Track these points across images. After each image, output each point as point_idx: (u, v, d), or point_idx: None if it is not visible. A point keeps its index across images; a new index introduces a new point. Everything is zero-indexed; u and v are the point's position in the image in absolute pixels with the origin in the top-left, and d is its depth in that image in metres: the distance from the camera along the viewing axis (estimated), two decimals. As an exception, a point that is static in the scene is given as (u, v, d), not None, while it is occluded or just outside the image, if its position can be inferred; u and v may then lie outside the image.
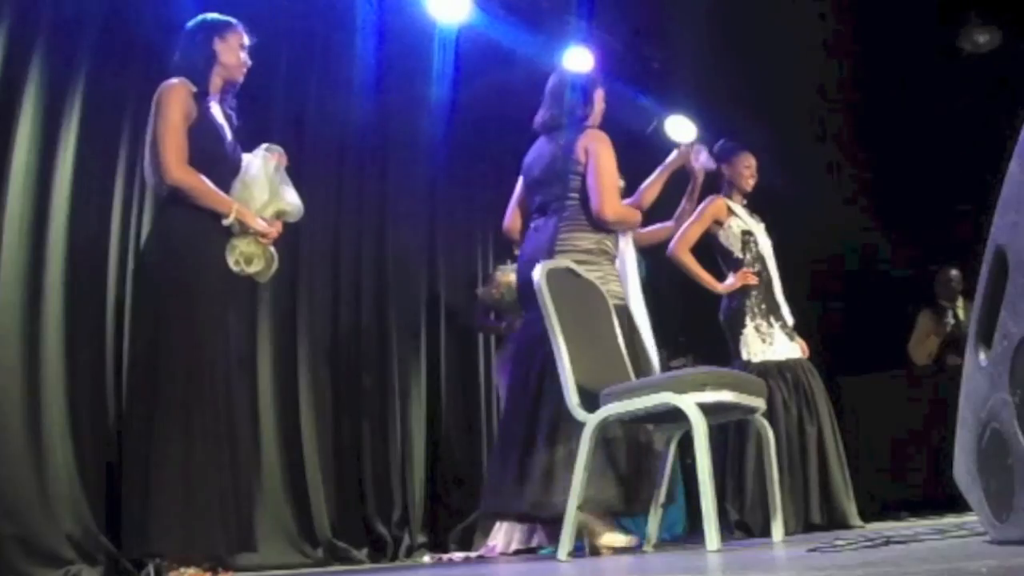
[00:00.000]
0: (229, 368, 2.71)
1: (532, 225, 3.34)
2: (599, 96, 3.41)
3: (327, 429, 4.26)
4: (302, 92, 4.40)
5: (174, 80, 2.76)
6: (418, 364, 4.73)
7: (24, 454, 2.93)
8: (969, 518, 2.67)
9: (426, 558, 4.20)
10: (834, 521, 3.70)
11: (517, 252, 4.58)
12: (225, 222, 2.70)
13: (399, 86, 4.73)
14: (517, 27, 4.97)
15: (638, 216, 3.41)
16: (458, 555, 4.26)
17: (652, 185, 3.59)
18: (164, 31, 3.62)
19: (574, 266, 3.02)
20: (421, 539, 4.40)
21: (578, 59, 5.14)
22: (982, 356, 1.40)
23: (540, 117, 3.42)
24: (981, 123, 4.73)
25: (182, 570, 2.52)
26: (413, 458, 4.54)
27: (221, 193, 2.73)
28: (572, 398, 2.64)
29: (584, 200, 3.21)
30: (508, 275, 4.43)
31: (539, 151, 3.38)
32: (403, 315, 4.70)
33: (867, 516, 3.95)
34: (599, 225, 3.19)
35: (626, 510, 3.12)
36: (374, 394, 4.49)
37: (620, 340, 3.02)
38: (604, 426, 2.68)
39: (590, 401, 2.65)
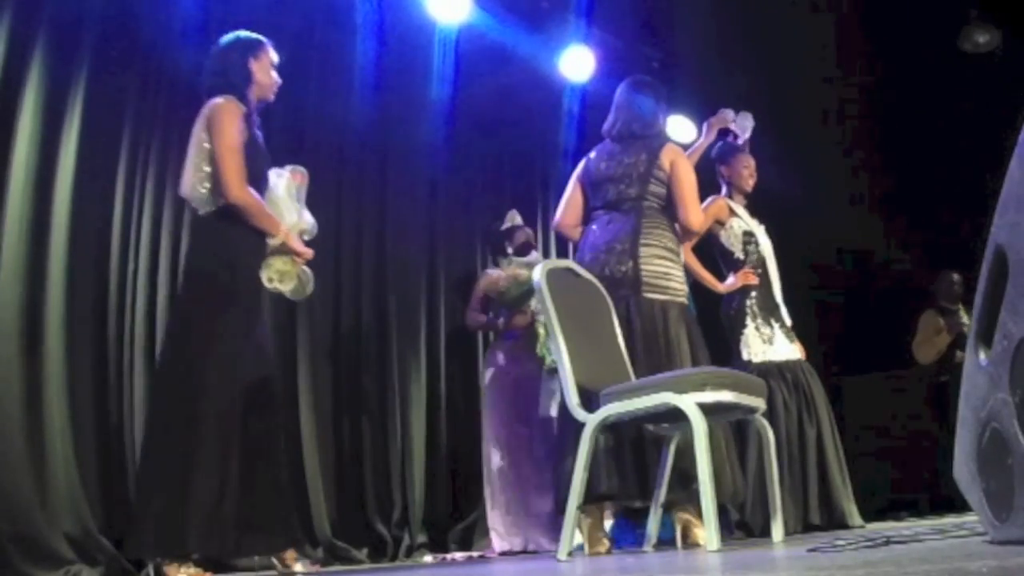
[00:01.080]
0: (266, 376, 2.83)
1: (602, 219, 3.42)
2: (664, 108, 3.62)
3: (327, 429, 4.26)
4: (301, 93, 4.40)
5: (220, 99, 2.82)
6: (418, 364, 4.73)
7: (24, 454, 2.93)
8: (969, 518, 2.67)
9: (427, 558, 4.20)
10: (834, 522, 3.70)
11: (529, 250, 4.63)
12: (272, 241, 2.83)
13: (399, 86, 4.73)
14: (517, 27, 4.98)
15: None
16: (459, 555, 4.26)
17: (690, 157, 3.80)
18: (164, 31, 3.63)
19: (574, 266, 3.03)
20: (421, 539, 4.40)
21: (578, 59, 5.15)
22: (982, 356, 1.40)
23: (614, 126, 3.54)
24: (981, 123, 4.73)
25: (182, 570, 2.54)
26: (413, 458, 4.53)
27: (272, 213, 2.85)
28: (572, 398, 2.64)
29: (664, 205, 3.40)
30: (514, 269, 4.44)
31: (609, 153, 3.49)
32: (403, 315, 4.70)
33: (867, 516, 3.95)
34: (685, 229, 3.43)
35: (630, 500, 3.14)
36: (374, 394, 4.49)
37: (620, 340, 3.02)
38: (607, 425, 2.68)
39: (590, 401, 2.65)
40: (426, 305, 4.87)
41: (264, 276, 2.82)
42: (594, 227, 3.42)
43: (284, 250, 2.86)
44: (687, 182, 3.38)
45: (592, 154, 3.56)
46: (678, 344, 3.21)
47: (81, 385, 3.20)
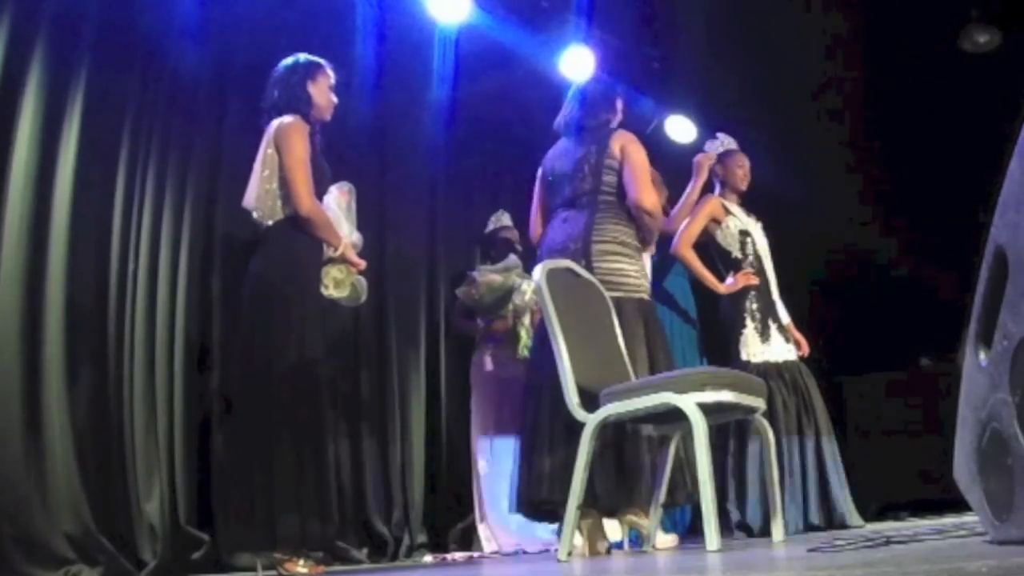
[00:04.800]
0: (323, 375, 3.02)
1: (560, 216, 3.39)
2: (619, 106, 3.56)
3: (326, 429, 4.25)
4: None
5: (288, 118, 3.02)
6: (418, 365, 4.73)
7: (24, 454, 2.93)
8: (969, 518, 2.67)
9: (427, 558, 4.20)
10: (833, 522, 3.70)
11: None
12: (333, 253, 3.01)
13: (399, 86, 4.73)
14: (517, 27, 4.97)
15: (662, 215, 3.59)
16: (459, 555, 4.26)
17: (688, 200, 4.00)
18: (165, 31, 3.63)
19: (574, 266, 3.03)
20: (421, 539, 4.40)
21: (578, 59, 5.15)
22: (982, 356, 1.40)
23: (564, 119, 3.53)
24: (981, 123, 4.73)
25: (301, 563, 2.75)
26: (413, 458, 4.53)
27: (334, 227, 3.03)
28: (572, 398, 2.64)
29: (619, 196, 3.34)
30: (487, 276, 4.43)
31: (564, 150, 3.47)
32: (403, 314, 4.70)
33: (867, 516, 3.95)
34: (634, 216, 3.33)
35: (626, 508, 3.13)
36: (373, 395, 4.48)
37: (620, 340, 3.02)
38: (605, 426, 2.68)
39: (590, 401, 2.65)
40: (425, 305, 4.87)
41: (321, 284, 3.01)
42: (552, 226, 3.40)
43: (339, 260, 3.04)
44: (637, 163, 3.32)
45: (548, 155, 3.54)
46: (634, 339, 3.15)
47: (81, 385, 3.19)
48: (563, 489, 2.75)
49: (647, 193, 3.30)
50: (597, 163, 3.33)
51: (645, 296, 3.33)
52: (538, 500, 3.07)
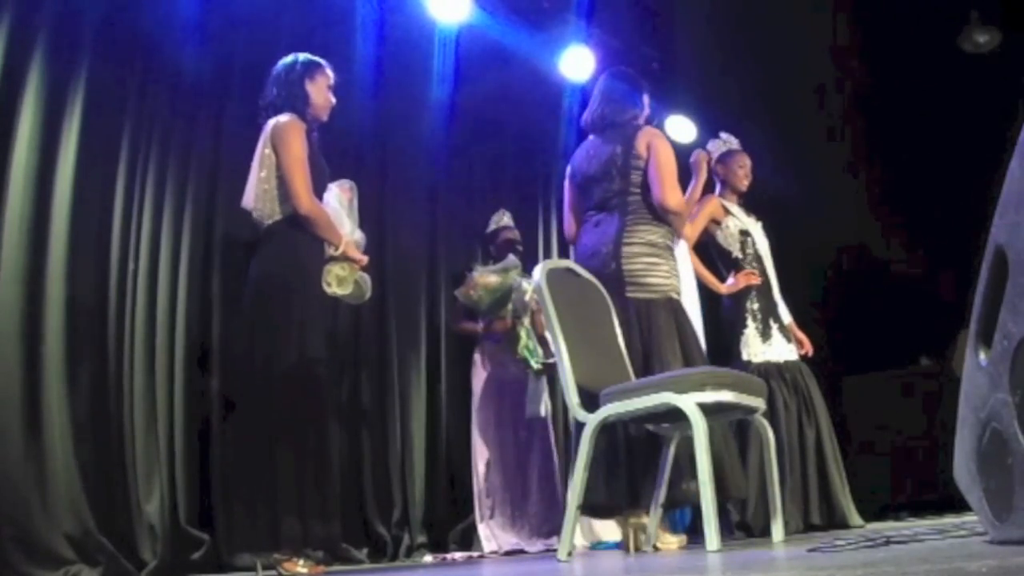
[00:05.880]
0: (324, 375, 3.02)
1: (592, 220, 3.38)
2: (646, 100, 3.51)
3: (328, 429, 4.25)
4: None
5: (285, 117, 3.01)
6: (418, 365, 4.73)
7: (24, 454, 2.93)
8: (969, 518, 2.67)
9: (427, 558, 4.20)
10: (834, 521, 3.70)
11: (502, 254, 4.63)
12: (334, 252, 3.01)
13: (399, 86, 4.73)
14: (517, 27, 4.98)
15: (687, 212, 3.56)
16: (459, 555, 4.26)
17: (690, 200, 3.81)
18: (165, 31, 3.63)
19: (574, 266, 3.03)
20: (421, 539, 4.40)
21: (578, 59, 5.16)
22: (982, 356, 1.40)
23: (590, 115, 3.50)
24: (981, 123, 4.73)
25: (300, 563, 2.75)
26: (413, 458, 4.53)
27: (335, 225, 3.03)
28: (572, 398, 2.64)
29: (646, 194, 3.31)
30: (485, 276, 4.43)
31: (592, 150, 3.45)
32: (403, 315, 4.69)
33: (867, 516, 3.95)
34: (661, 216, 3.30)
35: (630, 510, 3.13)
36: (374, 395, 4.48)
37: (620, 340, 3.02)
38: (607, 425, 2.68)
39: (590, 401, 2.65)
40: (426, 305, 4.87)
41: (323, 282, 3.00)
42: (584, 231, 3.40)
43: (342, 257, 3.03)
44: (662, 162, 3.28)
45: (576, 154, 3.53)
46: (661, 339, 3.15)
47: (81, 385, 3.19)
48: (621, 492, 2.86)
49: (672, 192, 3.26)
50: (624, 164, 3.31)
51: (674, 295, 3.32)
52: (596, 502, 3.07)
